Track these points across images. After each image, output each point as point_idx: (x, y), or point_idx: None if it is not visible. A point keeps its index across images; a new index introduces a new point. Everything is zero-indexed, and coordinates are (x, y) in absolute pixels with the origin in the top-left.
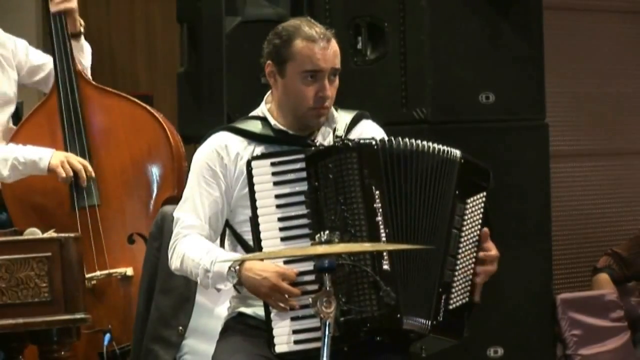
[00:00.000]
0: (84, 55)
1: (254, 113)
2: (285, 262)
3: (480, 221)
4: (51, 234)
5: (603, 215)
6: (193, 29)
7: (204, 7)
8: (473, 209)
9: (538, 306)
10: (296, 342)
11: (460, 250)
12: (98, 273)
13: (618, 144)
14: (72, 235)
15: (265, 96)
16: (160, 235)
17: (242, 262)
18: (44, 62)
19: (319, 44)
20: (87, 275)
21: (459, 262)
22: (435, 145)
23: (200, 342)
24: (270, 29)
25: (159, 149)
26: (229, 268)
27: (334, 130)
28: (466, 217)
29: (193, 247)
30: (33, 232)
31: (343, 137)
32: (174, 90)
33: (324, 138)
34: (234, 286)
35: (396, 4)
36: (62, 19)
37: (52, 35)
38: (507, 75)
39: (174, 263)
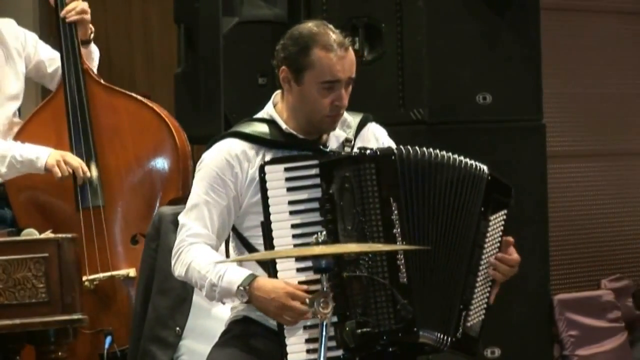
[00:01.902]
0: (92, 61)
1: (259, 115)
2: (299, 270)
3: (499, 238)
4: (48, 234)
5: (600, 216)
6: (190, 29)
7: (201, 7)
8: (494, 226)
9: (535, 307)
10: (309, 350)
11: (480, 268)
12: (101, 275)
13: (615, 145)
14: (69, 236)
15: (272, 96)
16: (157, 236)
17: (252, 281)
18: (52, 57)
19: (337, 53)
20: (90, 277)
21: (478, 279)
22: (459, 157)
23: (198, 343)
24: (267, 29)
25: (165, 150)
26: (239, 287)
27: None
28: (488, 235)
29: (200, 258)
30: (30, 233)
31: (353, 142)
32: (171, 91)
33: (338, 141)
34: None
35: (393, 5)
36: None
37: (59, 32)
38: (504, 75)
39: (178, 270)
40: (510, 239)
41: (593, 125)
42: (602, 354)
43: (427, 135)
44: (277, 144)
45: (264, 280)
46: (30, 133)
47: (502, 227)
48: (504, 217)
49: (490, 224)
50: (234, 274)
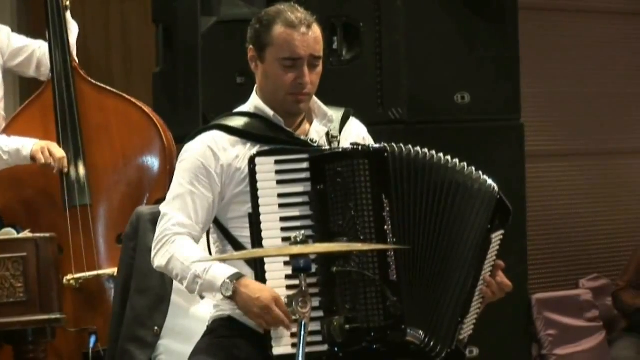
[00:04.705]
0: (69, 32)
1: (244, 109)
2: (286, 263)
3: (494, 258)
4: (27, 234)
5: (578, 215)
6: (169, 29)
7: (180, 7)
8: (494, 245)
9: (513, 306)
10: (294, 344)
11: (479, 284)
12: (87, 274)
13: (593, 144)
14: (47, 235)
15: (255, 88)
16: (135, 236)
17: (239, 277)
18: (25, 44)
19: (298, 30)
20: (76, 275)
21: (476, 295)
22: (462, 164)
23: (176, 342)
24: (245, 29)
25: (153, 150)
26: (225, 280)
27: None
28: (489, 253)
29: (184, 250)
30: (8, 232)
31: (339, 138)
32: (149, 90)
33: (320, 136)
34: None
35: (372, 4)
36: (60, 13)
37: (49, 30)
38: (483, 75)
39: (158, 260)
40: (501, 263)
41: (571, 125)
42: (580, 354)
43: (405, 135)
44: (262, 137)
45: (251, 280)
46: (17, 128)
47: (498, 247)
48: (501, 237)
49: (492, 241)
50: (221, 269)
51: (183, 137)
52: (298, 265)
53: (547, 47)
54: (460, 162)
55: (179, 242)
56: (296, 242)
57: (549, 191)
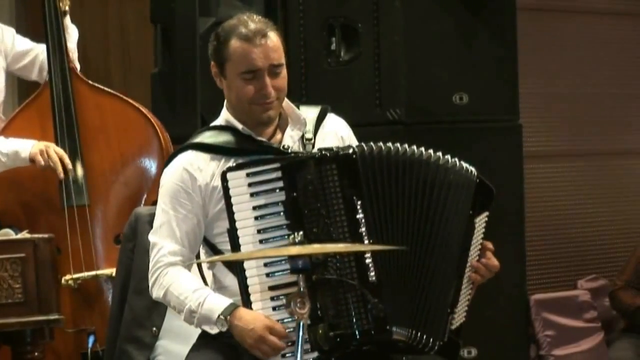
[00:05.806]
0: (69, 37)
1: (217, 122)
2: (268, 275)
3: (481, 241)
4: (25, 235)
5: (577, 216)
6: (167, 29)
7: (178, 7)
8: (478, 228)
9: (512, 307)
10: (284, 355)
11: (466, 271)
12: (85, 274)
13: (591, 145)
14: (45, 236)
15: (225, 102)
16: (134, 236)
17: (232, 310)
18: (29, 48)
19: (254, 43)
20: (74, 276)
21: (464, 282)
22: (437, 154)
23: (174, 343)
24: None
25: (150, 150)
26: (219, 316)
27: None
28: (473, 237)
29: (178, 282)
30: (6, 233)
31: (313, 140)
32: (147, 91)
33: (294, 141)
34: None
35: (370, 5)
36: (57, 14)
37: (46, 31)
38: (481, 76)
39: (156, 292)
40: (489, 244)
41: (569, 126)
42: (578, 354)
43: (403, 136)
44: (234, 151)
45: (245, 311)
46: (15, 130)
47: (483, 229)
48: (486, 219)
49: (476, 226)
50: (214, 302)
51: (181, 138)
52: (296, 266)
53: (546, 47)
54: (434, 153)
55: (172, 274)
56: (294, 243)
57: (548, 192)
